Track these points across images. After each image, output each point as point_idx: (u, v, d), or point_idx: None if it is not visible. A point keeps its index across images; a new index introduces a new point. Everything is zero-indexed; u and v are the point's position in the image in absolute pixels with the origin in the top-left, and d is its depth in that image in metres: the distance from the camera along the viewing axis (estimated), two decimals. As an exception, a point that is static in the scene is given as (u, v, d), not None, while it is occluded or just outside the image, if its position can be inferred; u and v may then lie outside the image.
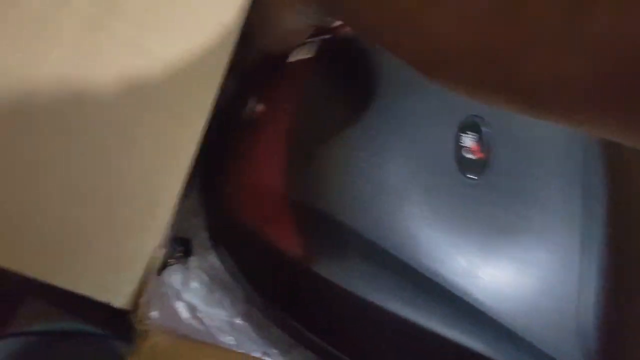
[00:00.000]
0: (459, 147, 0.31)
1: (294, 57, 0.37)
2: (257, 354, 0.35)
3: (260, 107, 0.34)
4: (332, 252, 0.30)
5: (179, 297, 0.36)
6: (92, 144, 0.25)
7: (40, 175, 0.24)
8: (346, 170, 0.30)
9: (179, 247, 0.36)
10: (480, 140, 0.32)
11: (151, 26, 0.26)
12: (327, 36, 0.37)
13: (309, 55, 0.35)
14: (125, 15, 0.25)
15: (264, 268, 0.35)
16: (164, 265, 0.33)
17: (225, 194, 0.35)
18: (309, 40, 0.38)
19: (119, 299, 0.26)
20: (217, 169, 0.37)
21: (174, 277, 0.36)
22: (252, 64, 0.37)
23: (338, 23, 0.39)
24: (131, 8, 0.25)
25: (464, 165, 0.31)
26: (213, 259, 0.36)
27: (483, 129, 0.33)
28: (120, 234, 0.26)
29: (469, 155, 0.32)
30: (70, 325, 0.35)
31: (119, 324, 0.31)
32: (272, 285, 0.35)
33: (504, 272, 0.32)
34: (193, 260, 0.36)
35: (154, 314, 0.31)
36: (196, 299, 0.36)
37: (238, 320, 0.37)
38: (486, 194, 0.31)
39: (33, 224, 0.24)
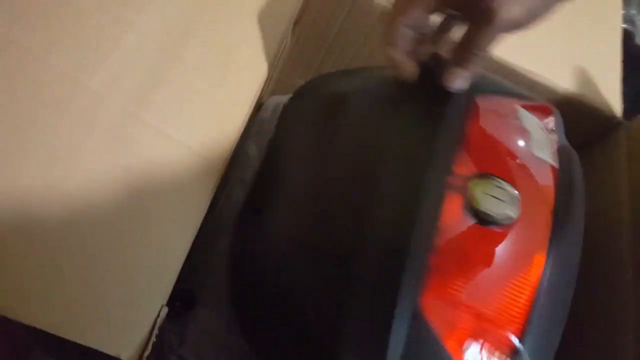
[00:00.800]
0: None
1: (539, 153, 0.28)
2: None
3: (514, 211, 0.25)
4: None
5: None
6: (111, 215, 0.28)
7: (63, 243, 0.27)
8: None
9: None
10: None
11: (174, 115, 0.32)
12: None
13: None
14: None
15: None
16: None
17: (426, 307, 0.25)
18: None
19: (126, 353, 0.27)
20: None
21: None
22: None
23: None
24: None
25: None
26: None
27: None
28: (132, 295, 0.28)
29: None
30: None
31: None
32: None
33: None
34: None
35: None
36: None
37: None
38: None
39: (55, 285, 0.26)
